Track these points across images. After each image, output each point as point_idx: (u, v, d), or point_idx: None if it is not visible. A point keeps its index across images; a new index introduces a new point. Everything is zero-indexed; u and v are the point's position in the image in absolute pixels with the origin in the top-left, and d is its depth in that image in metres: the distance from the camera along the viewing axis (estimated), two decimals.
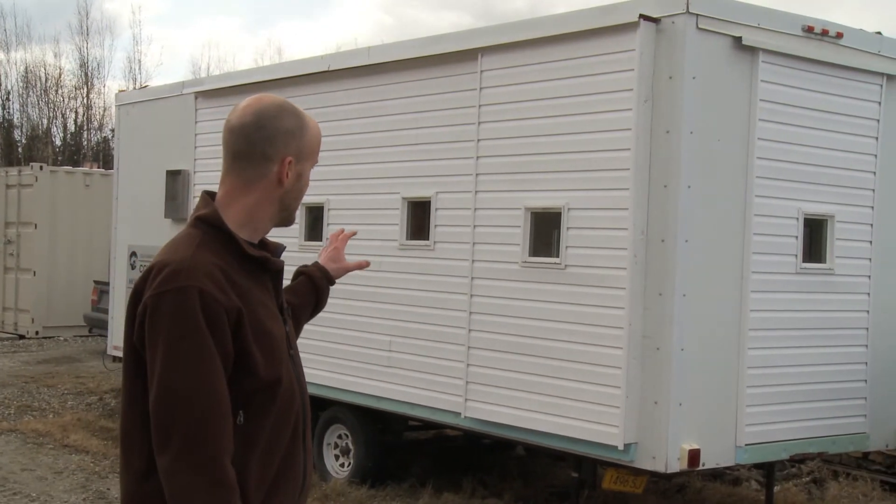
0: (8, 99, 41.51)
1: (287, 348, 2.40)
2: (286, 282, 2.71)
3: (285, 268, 2.51)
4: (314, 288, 2.92)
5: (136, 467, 2.27)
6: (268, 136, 2.35)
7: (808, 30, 6.45)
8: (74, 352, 16.18)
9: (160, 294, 2.19)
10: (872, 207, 6.92)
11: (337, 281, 3.01)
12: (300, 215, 8.36)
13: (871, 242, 6.94)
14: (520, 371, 6.67)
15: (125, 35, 78.15)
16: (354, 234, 3.13)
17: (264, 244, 2.48)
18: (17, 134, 42.15)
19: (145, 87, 14.64)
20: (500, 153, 6.91)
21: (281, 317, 2.42)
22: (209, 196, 2.41)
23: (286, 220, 2.48)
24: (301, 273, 2.95)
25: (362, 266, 3.15)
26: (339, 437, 8.37)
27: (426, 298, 7.39)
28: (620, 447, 6.05)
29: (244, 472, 2.24)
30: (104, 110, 41.12)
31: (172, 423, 2.15)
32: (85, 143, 42.20)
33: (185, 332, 2.16)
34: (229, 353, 2.20)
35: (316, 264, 2.99)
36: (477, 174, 7.05)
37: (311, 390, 2.69)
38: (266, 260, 2.36)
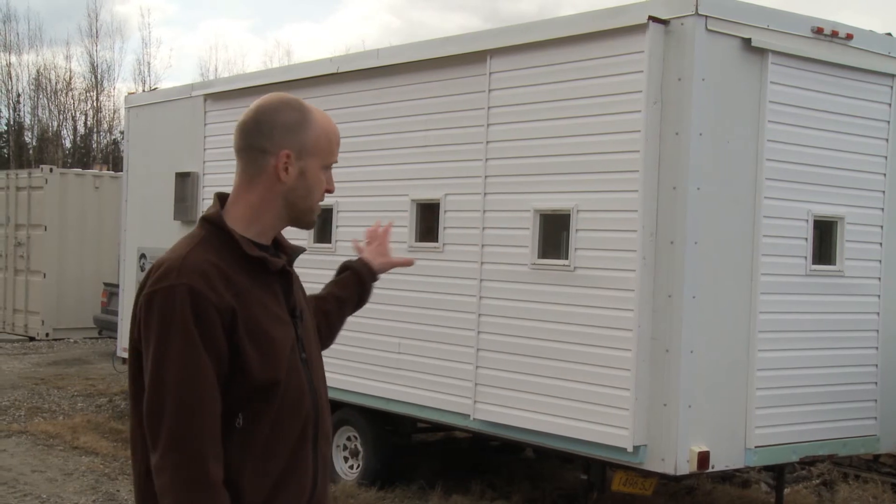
0: (19, 101, 41.71)
1: (298, 352, 2.37)
2: (329, 276, 2.89)
3: (301, 270, 2.51)
4: (359, 282, 2.94)
5: (138, 467, 2.30)
6: (265, 129, 2.34)
7: (818, 31, 6.43)
8: (84, 354, 16.22)
9: (153, 292, 2.21)
10: (882, 209, 6.90)
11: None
12: None
13: (881, 244, 6.92)
14: (528, 373, 6.67)
15: (134, 38, 78.56)
16: (391, 225, 3.13)
17: (280, 245, 2.46)
18: (27, 136, 42.35)
19: (154, 89, 14.67)
20: (509, 155, 6.91)
21: (292, 320, 2.38)
22: (219, 197, 2.42)
23: (298, 221, 2.42)
24: (346, 268, 2.97)
25: (407, 263, 3.19)
26: (349, 438, 8.38)
27: (435, 300, 7.39)
28: (629, 449, 6.04)
29: (240, 475, 2.23)
30: (114, 113, 41.36)
31: (160, 420, 2.16)
32: (94, 145, 42.36)
33: (172, 329, 2.16)
34: (222, 350, 2.19)
35: (360, 260, 3.00)
36: (486, 176, 7.05)
37: None
38: (265, 260, 2.32)
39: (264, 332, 2.26)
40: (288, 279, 2.41)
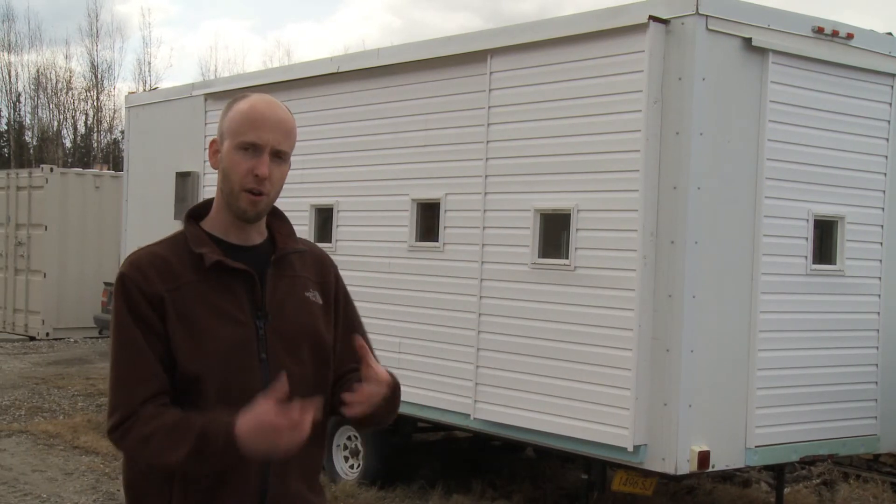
0: (19, 101, 41.75)
1: (257, 352, 2.35)
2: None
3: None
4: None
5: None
6: None
7: (819, 31, 6.43)
8: (85, 353, 16.22)
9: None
10: (883, 209, 6.90)
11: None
12: (309, 216, 8.37)
13: (881, 244, 6.92)
14: (529, 373, 6.67)
15: (135, 37, 78.55)
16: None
17: (275, 244, 2.46)
18: (27, 136, 42.38)
19: (155, 88, 14.67)
20: (510, 155, 6.91)
21: (254, 321, 2.36)
22: (209, 199, 2.51)
23: (234, 209, 2.38)
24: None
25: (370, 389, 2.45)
26: (349, 438, 8.38)
27: (435, 300, 7.39)
28: (630, 449, 6.04)
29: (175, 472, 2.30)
30: (114, 112, 41.39)
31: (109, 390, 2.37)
32: (95, 144, 42.38)
33: (114, 312, 2.37)
34: (156, 327, 2.31)
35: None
36: (486, 176, 7.05)
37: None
38: (201, 257, 2.36)
39: (198, 324, 2.32)
40: (250, 279, 2.38)
